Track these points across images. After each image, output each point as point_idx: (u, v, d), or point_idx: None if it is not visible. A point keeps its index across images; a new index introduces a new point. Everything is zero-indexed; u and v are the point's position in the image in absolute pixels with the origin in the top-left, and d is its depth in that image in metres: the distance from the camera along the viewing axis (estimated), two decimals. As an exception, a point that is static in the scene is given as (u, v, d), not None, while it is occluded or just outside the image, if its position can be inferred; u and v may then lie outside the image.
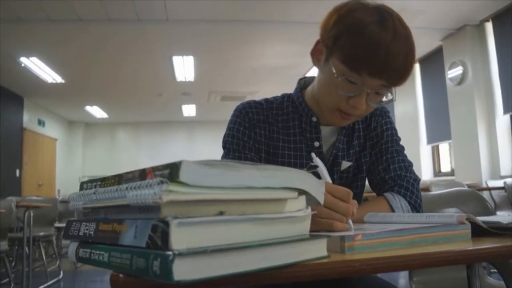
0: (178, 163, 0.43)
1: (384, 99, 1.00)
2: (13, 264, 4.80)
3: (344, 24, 0.94)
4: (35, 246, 4.78)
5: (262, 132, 1.13)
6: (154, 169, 0.47)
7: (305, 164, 1.09)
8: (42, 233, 4.40)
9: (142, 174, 0.49)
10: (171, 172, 0.43)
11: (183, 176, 0.43)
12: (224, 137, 1.15)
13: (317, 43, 1.03)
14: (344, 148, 1.16)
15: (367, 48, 0.90)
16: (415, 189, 1.11)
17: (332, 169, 1.15)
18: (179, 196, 0.42)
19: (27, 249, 3.90)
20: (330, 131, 1.15)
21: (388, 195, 1.08)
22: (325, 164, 1.12)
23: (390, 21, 0.93)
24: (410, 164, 1.17)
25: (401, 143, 1.22)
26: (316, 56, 1.04)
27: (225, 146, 1.14)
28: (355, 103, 0.97)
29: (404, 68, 0.94)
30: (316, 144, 1.12)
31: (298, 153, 1.12)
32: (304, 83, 1.21)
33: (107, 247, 0.50)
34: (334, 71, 0.95)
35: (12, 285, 3.76)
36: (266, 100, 1.19)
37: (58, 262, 4.81)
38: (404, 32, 0.94)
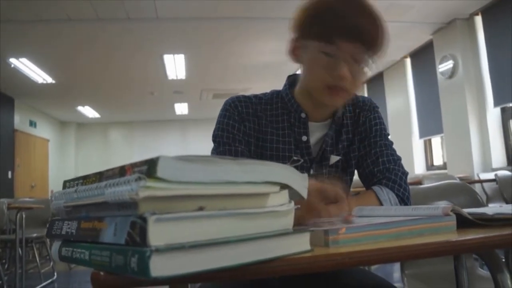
0: (155, 158, 0.43)
1: (365, 69, 1.03)
2: (6, 266, 4.77)
3: (313, 8, 1.02)
4: (28, 247, 4.75)
5: (252, 125, 1.14)
6: (133, 165, 0.47)
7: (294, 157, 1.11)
8: (35, 235, 4.37)
9: (122, 171, 0.49)
10: (149, 168, 0.43)
11: (160, 171, 0.42)
12: (214, 131, 1.16)
13: (292, 41, 1.09)
14: (333, 143, 1.17)
15: (336, 14, 0.98)
16: (403, 182, 1.12)
17: (321, 163, 1.16)
18: (157, 192, 0.42)
19: (20, 251, 3.88)
20: (319, 126, 1.16)
21: (376, 188, 1.09)
22: (314, 159, 1.12)
23: None
24: (398, 158, 1.18)
25: (394, 137, 1.24)
26: (293, 52, 1.10)
27: (215, 140, 1.15)
28: (339, 72, 0.99)
29: (374, 27, 0.99)
30: (304, 138, 1.14)
31: (287, 147, 1.14)
32: (294, 80, 1.22)
33: (88, 245, 0.49)
34: (313, 50, 1.01)
35: (5, 287, 3.74)
36: (255, 95, 1.20)
37: (52, 263, 4.79)
38: (369, 3, 1.01)
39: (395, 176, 1.12)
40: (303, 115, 1.14)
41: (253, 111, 1.16)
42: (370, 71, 1.04)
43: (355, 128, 1.19)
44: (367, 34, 0.98)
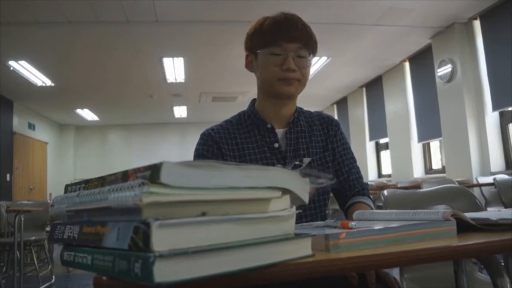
0: (159, 164, 0.43)
1: (309, 62, 1.27)
2: (4, 269, 4.76)
3: (258, 25, 1.30)
4: (26, 250, 4.73)
5: (226, 146, 1.30)
6: (136, 170, 0.47)
7: (270, 163, 1.28)
8: (33, 238, 4.36)
9: (125, 176, 0.49)
10: (152, 173, 0.43)
11: (164, 177, 0.43)
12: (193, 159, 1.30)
13: (246, 56, 1.36)
14: (304, 148, 1.33)
15: (279, 24, 1.25)
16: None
17: (296, 165, 1.29)
18: (160, 197, 0.42)
19: (18, 254, 3.87)
20: (283, 133, 1.33)
21: (366, 200, 1.31)
22: (288, 162, 1.30)
23: (277, 13, 1.29)
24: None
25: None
26: (249, 66, 1.36)
27: None
28: (288, 66, 1.23)
29: (306, 29, 1.26)
30: (276, 145, 1.31)
31: (263, 155, 1.30)
32: (255, 101, 1.41)
33: (91, 250, 0.49)
34: (264, 56, 1.26)
35: (3, 290, 3.73)
36: (226, 121, 1.38)
37: (50, 267, 4.77)
38: (291, 14, 1.29)
39: (365, 185, 1.38)
40: (268, 125, 1.32)
41: (225, 134, 1.32)
42: (311, 64, 1.30)
43: (327, 137, 1.37)
44: (304, 35, 1.25)
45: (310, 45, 1.27)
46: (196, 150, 1.32)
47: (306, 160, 1.30)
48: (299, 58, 1.25)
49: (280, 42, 1.23)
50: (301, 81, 1.27)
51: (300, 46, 1.24)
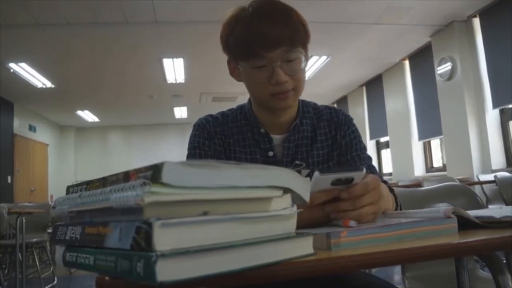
0: (160, 164, 0.43)
1: (302, 64, 1.05)
2: (6, 271, 4.76)
3: (224, 31, 1.09)
4: (28, 252, 4.73)
5: (221, 142, 1.18)
6: (138, 171, 0.47)
7: None
8: (35, 239, 4.36)
9: (126, 176, 0.49)
10: (154, 173, 0.43)
11: (165, 177, 0.43)
12: (187, 151, 1.19)
13: (228, 62, 1.15)
14: (303, 158, 1.17)
15: (245, 25, 1.01)
16: None
17: (295, 166, 1.18)
18: (162, 197, 0.42)
19: (20, 255, 3.87)
20: (280, 139, 1.18)
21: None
22: None
23: (249, 5, 1.04)
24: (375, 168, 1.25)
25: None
26: (234, 74, 1.16)
27: (188, 159, 1.17)
28: (276, 79, 1.02)
29: (288, 19, 1.01)
30: (270, 153, 1.16)
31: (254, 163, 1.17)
32: None
33: (93, 250, 0.50)
34: (246, 69, 1.06)
35: (5, 292, 3.73)
36: (222, 113, 1.24)
37: (52, 268, 4.77)
38: (268, 2, 1.04)
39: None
40: (262, 130, 1.17)
41: (220, 129, 1.19)
42: (306, 59, 1.07)
43: (333, 144, 1.19)
44: (288, 31, 1.00)
45: (299, 40, 1.03)
46: (191, 142, 1.19)
47: (304, 172, 1.14)
48: (289, 63, 1.03)
49: (261, 53, 1.01)
50: (296, 88, 1.07)
51: (286, 49, 1.01)
